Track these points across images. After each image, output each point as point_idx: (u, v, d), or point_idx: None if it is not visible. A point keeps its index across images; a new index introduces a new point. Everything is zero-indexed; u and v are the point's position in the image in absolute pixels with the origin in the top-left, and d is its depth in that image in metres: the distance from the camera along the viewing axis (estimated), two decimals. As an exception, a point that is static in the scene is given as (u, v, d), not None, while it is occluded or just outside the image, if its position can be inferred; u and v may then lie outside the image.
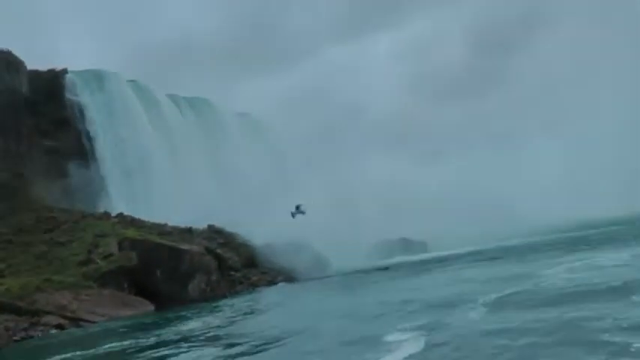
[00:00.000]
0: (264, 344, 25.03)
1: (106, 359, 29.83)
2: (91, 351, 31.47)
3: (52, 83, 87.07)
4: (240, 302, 46.91)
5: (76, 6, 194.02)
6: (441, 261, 58.28)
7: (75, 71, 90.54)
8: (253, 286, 59.84)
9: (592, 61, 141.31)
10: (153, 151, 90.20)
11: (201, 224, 74.34)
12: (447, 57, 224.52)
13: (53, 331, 44.52)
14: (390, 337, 21.23)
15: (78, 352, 31.10)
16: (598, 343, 15.99)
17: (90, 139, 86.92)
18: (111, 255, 56.21)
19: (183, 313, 44.90)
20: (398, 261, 68.91)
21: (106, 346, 32.22)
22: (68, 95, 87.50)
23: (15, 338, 42.15)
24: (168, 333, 34.50)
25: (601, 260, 33.09)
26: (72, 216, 68.83)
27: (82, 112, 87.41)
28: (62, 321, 45.99)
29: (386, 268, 60.43)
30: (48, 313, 46.73)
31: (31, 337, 42.84)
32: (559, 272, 31.20)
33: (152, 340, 32.15)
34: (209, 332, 32.12)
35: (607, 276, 26.27)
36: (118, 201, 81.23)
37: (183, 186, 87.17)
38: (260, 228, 73.02)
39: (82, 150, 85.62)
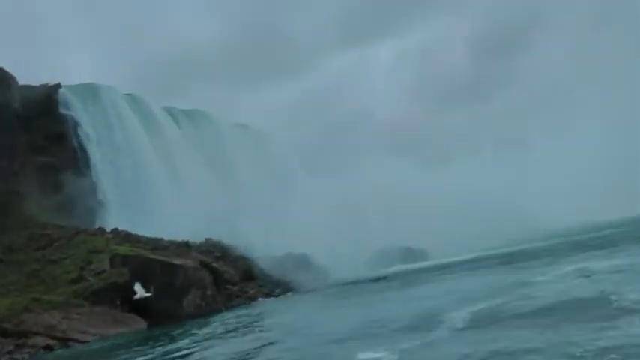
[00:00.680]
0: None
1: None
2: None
3: (45, 98, 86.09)
4: (232, 317, 45.56)
5: (78, 20, 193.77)
6: (439, 269, 56.98)
7: (69, 85, 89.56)
8: (250, 299, 58.55)
9: (596, 62, 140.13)
10: (150, 165, 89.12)
11: (200, 237, 73.30)
12: (450, 62, 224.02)
13: (41, 352, 43.30)
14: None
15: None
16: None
17: (85, 153, 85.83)
18: (103, 272, 54.98)
19: (174, 330, 43.71)
20: (397, 270, 67.57)
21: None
22: (62, 110, 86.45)
23: (-1, 362, 40.90)
24: (155, 352, 33.30)
25: (596, 266, 31.75)
26: (65, 232, 67.61)
27: (76, 126, 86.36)
28: (51, 341, 44.64)
29: (384, 278, 59.04)
30: (36, 333, 45.36)
31: (16, 360, 41.56)
32: (551, 280, 30.18)
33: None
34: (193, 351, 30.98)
35: (595, 286, 25.16)
36: (115, 216, 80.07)
37: (182, 199, 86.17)
38: (259, 240, 72.11)
39: (77, 165, 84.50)
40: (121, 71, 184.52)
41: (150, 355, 32.25)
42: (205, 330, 40.16)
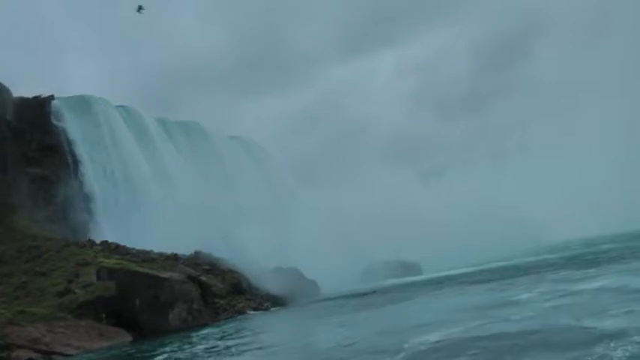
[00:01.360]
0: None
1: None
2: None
3: (38, 110, 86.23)
4: (215, 332, 45.45)
5: (76, 30, 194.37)
6: (429, 284, 57.04)
7: (62, 97, 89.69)
8: (238, 313, 58.36)
9: (596, 70, 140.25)
10: (142, 177, 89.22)
11: (191, 250, 73.31)
12: (450, 72, 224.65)
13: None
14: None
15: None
16: None
17: (77, 165, 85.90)
18: (90, 285, 54.88)
19: (158, 345, 43.58)
20: (388, 284, 67.53)
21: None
22: (54, 122, 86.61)
23: (-20, 375, 40.73)
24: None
25: (583, 286, 31.67)
26: (55, 244, 67.54)
27: (68, 138, 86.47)
28: (34, 355, 44.40)
29: (373, 292, 58.99)
30: (19, 347, 45.12)
31: (-2, 373, 41.43)
32: (533, 300, 30.19)
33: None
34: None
35: (575, 309, 25.03)
36: (107, 228, 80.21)
37: (175, 211, 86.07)
38: (252, 252, 72.10)
39: (69, 177, 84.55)
40: (119, 82, 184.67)
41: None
42: (186, 346, 40.01)
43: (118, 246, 68.81)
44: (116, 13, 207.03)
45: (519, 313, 26.69)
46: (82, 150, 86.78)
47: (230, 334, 43.22)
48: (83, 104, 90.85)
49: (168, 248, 70.73)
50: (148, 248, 69.46)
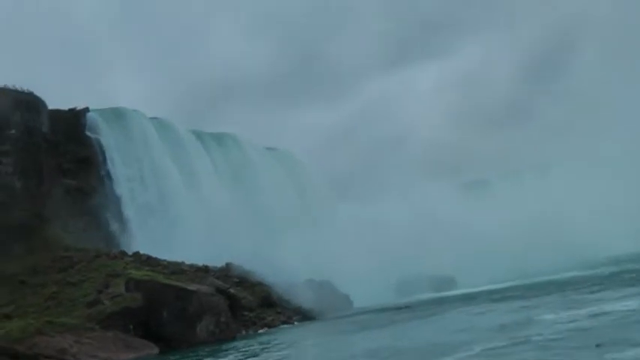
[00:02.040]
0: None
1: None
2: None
3: (73, 122, 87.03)
4: (242, 345, 44.97)
5: (125, 45, 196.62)
6: (462, 300, 55.88)
7: (96, 109, 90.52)
8: (267, 326, 57.90)
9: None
10: (175, 189, 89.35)
11: (223, 262, 73.17)
12: (492, 84, 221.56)
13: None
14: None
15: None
16: None
17: (111, 177, 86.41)
18: (119, 296, 54.85)
19: (184, 357, 43.30)
20: (420, 299, 66.42)
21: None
22: (89, 134, 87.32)
23: (8, 385, 40.75)
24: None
25: (613, 307, 30.39)
26: (87, 255, 67.83)
27: (102, 150, 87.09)
28: (61, 365, 44.57)
29: (405, 307, 57.92)
30: (47, 357, 45.26)
31: (25, 383, 41.42)
32: (558, 320, 29.11)
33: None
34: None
35: (598, 331, 24.07)
36: (139, 240, 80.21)
37: (207, 223, 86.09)
38: (284, 265, 71.64)
39: (103, 188, 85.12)
40: (158, 96, 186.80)
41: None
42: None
43: (149, 257, 68.83)
44: (158, 30, 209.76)
45: (541, 334, 25.81)
46: (115, 162, 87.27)
47: (256, 348, 42.75)
48: (117, 116, 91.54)
49: (200, 260, 70.65)
50: (180, 260, 69.44)
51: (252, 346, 44.78)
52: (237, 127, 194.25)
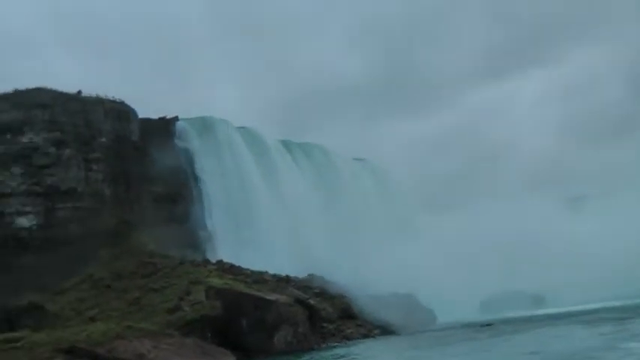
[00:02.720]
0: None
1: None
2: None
3: (162, 131, 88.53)
4: (319, 358, 43.95)
5: (220, 56, 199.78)
6: (549, 319, 53.57)
7: (185, 118, 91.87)
8: (346, 339, 56.74)
9: None
10: (261, 199, 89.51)
11: (306, 272, 72.74)
12: (599, 95, 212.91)
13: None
14: None
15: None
16: None
17: (198, 185, 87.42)
18: (199, 303, 54.91)
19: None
20: (505, 317, 64.03)
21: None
22: (177, 142, 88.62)
23: (85, 387, 41.01)
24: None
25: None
26: (170, 262, 68.46)
27: (190, 159, 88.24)
28: (138, 370, 44.66)
29: (487, 325, 55.83)
30: (125, 361, 45.56)
31: (102, 386, 41.61)
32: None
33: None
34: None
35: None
36: (224, 248, 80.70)
37: (291, 233, 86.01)
38: (366, 276, 70.65)
39: (190, 197, 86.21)
40: (251, 104, 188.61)
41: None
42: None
43: (232, 266, 68.97)
44: (253, 39, 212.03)
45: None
46: (203, 170, 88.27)
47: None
48: (205, 125, 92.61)
49: (283, 270, 70.38)
50: (263, 269, 69.27)
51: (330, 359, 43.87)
52: (327, 137, 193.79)
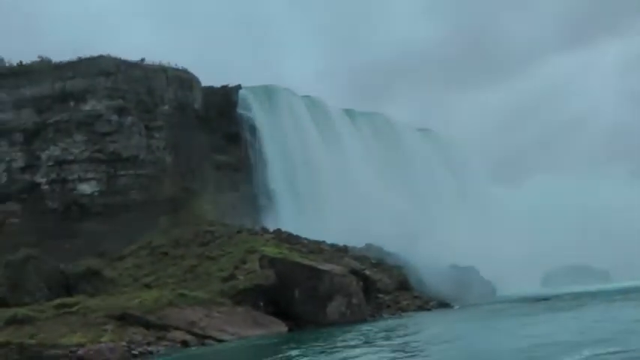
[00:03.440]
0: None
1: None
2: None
3: (224, 99, 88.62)
4: (374, 329, 42.97)
5: (290, 26, 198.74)
6: (610, 294, 51.49)
7: (248, 87, 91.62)
8: (401, 311, 55.86)
9: None
10: (323, 168, 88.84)
11: (365, 243, 72.16)
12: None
13: (177, 347, 43.43)
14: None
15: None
16: None
17: (260, 154, 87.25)
18: (253, 272, 54.83)
19: (312, 339, 42.04)
20: (565, 291, 62.03)
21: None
22: (240, 111, 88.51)
23: (134, 352, 41.25)
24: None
25: None
26: (228, 230, 68.62)
27: (252, 127, 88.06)
28: (188, 337, 44.68)
29: (544, 299, 54.17)
30: (176, 328, 45.67)
31: (150, 352, 41.75)
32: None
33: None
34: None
35: None
36: (285, 217, 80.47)
37: (353, 203, 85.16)
38: (427, 248, 69.69)
39: (251, 165, 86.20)
40: (323, 73, 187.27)
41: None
42: (340, 343, 37.73)
43: (290, 235, 68.62)
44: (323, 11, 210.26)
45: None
46: (265, 139, 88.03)
47: (388, 333, 40.76)
48: (268, 94, 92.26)
49: (343, 240, 69.79)
50: (323, 239, 68.84)
51: (385, 330, 42.82)
52: (394, 107, 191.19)
